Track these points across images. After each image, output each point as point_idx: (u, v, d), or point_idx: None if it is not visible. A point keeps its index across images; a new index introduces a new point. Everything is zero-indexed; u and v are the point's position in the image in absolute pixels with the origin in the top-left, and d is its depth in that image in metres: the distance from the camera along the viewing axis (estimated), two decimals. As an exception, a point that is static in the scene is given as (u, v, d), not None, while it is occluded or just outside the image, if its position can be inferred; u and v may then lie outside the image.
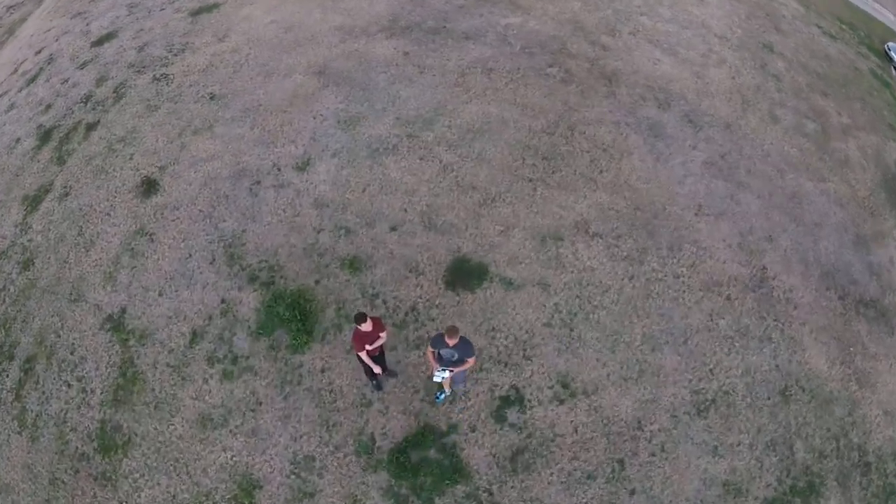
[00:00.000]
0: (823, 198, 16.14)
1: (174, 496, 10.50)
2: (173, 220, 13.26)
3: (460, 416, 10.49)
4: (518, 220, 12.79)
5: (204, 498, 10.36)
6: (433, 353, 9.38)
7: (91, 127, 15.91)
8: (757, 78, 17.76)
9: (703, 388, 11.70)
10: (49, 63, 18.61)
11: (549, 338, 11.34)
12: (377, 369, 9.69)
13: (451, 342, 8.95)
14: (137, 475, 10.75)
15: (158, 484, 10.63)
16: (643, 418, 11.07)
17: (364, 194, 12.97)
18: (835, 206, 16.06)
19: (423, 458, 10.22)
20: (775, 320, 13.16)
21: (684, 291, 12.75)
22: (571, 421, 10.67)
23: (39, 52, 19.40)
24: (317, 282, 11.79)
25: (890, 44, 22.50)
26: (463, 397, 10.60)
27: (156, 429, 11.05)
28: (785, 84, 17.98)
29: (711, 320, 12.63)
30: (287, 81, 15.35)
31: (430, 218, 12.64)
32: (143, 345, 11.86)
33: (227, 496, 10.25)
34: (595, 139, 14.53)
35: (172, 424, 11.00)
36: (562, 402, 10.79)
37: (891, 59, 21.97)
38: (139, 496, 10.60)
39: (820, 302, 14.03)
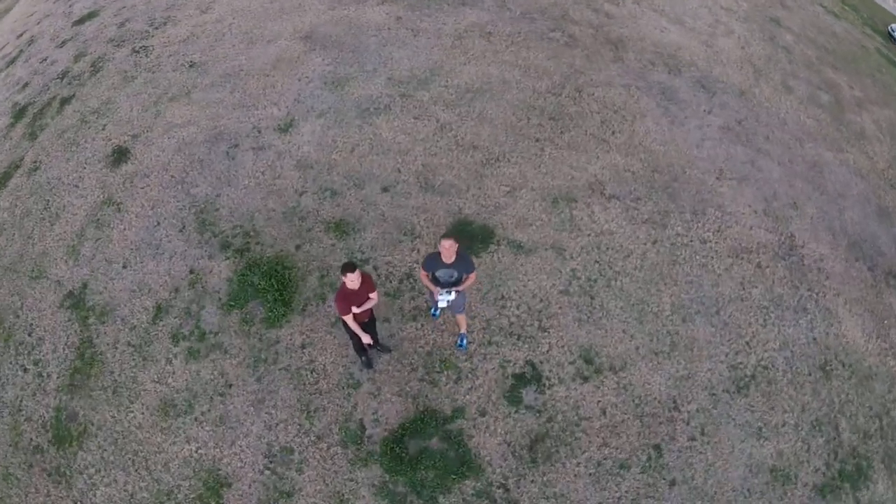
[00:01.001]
0: (843, 168, 13.87)
1: (132, 495, 8.00)
2: (142, 188, 10.83)
3: (467, 397, 8.01)
4: (525, 181, 10.38)
5: (165, 497, 7.85)
6: (427, 276, 6.97)
7: (66, 101, 13.55)
8: (767, 49, 15.50)
9: (740, 363, 9.29)
10: (29, 44, 16.28)
11: (567, 307, 8.89)
12: (367, 339, 7.22)
13: (449, 259, 6.57)
14: (93, 470, 8.28)
15: (115, 481, 8.14)
16: (679, 397, 8.62)
17: (352, 155, 10.55)
18: (855, 177, 13.79)
19: (423, 448, 7.72)
20: (809, 290, 10.82)
21: (712, 258, 10.36)
22: (598, 401, 8.19)
23: (21, 35, 17.06)
24: (297, 247, 9.33)
25: (893, 25, 20.25)
26: (470, 375, 8.11)
27: (113, 417, 8.57)
28: (795, 56, 15.73)
29: (744, 289, 10.25)
30: (271, 47, 12.98)
31: (427, 178, 10.22)
32: (104, 322, 9.40)
33: (191, 495, 7.73)
34: (605, 101, 12.19)
35: (131, 412, 8.51)
36: (586, 379, 8.32)
37: (894, 40, 19.70)
38: (94, 494, 8.12)
39: (850, 272, 11.72)
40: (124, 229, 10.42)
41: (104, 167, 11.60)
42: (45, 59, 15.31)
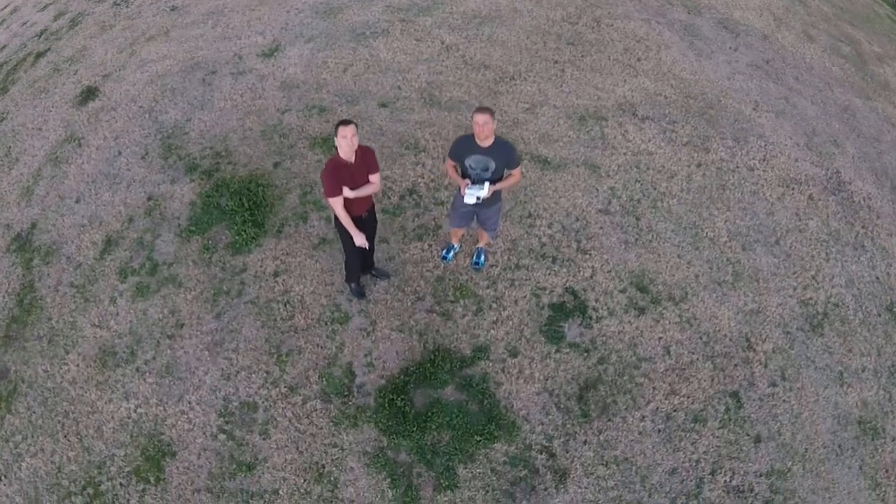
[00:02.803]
0: (874, 115, 11.24)
1: (59, 468, 5.23)
2: (107, 121, 8.16)
3: (492, 333, 5.24)
4: (546, 99, 7.71)
5: (96, 471, 5.07)
6: (455, 167, 4.50)
7: (40, 55, 10.94)
8: (784, 0, 12.92)
9: (810, 299, 6.65)
10: (12, 13, 13.71)
11: (609, 227, 6.17)
12: (360, 239, 4.50)
13: (485, 142, 3.90)
14: (20, 437, 5.58)
15: (42, 450, 5.39)
16: (751, 334, 5.91)
17: (345, 74, 7.88)
18: (886, 125, 11.17)
19: (434, 400, 4.95)
20: (863, 227, 8.24)
21: (762, 185, 7.73)
22: (660, 338, 5.44)
23: (5, 7, 14.48)
24: (276, 164, 6.62)
25: (901, -5, 17.70)
26: (494, 305, 5.33)
27: (46, 371, 5.84)
28: (812, 10, 13.22)
29: (800, 220, 7.61)
30: (261, -14, 10.29)
31: (432, 94, 7.54)
32: (48, 263, 6.69)
33: (126, 468, 4.95)
34: (625, 31, 9.58)
35: (66, 364, 5.78)
36: (641, 311, 5.58)
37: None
38: (19, 468, 5.40)
39: (900, 215, 9.04)
40: (82, 163, 7.75)
41: (70, 107, 8.95)
42: (26, 23, 12.76)
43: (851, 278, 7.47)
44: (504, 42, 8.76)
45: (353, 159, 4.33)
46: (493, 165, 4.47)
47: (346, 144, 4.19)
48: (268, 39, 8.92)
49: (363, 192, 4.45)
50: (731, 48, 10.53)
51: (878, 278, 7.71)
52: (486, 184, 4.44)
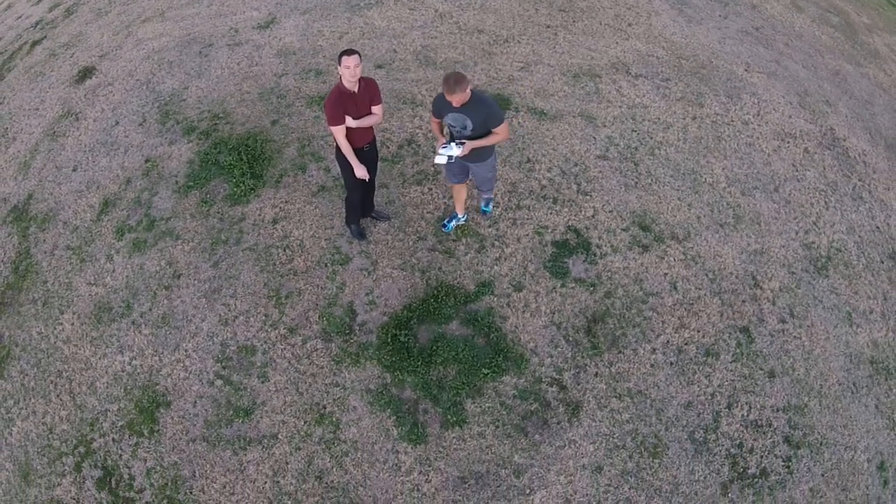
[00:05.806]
0: (865, 80, 10.99)
1: (51, 429, 4.87)
2: (104, 95, 7.88)
3: (495, 269, 4.92)
4: (540, 59, 7.45)
5: (88, 428, 4.72)
6: (439, 123, 4.23)
7: (36, 43, 10.68)
8: (767, -26, 12.62)
9: (813, 242, 6.38)
10: (6, 9, 13.43)
11: (609, 171, 5.87)
12: (362, 172, 4.23)
13: (457, 99, 3.71)
14: (11, 402, 5.23)
15: (34, 412, 5.04)
16: (757, 273, 5.59)
17: (341, 41, 7.62)
18: (878, 89, 10.91)
19: (438, 336, 4.62)
20: (860, 180, 7.99)
21: (758, 138, 7.47)
22: (665, 274, 5.13)
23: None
24: (274, 122, 6.33)
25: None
26: (497, 243, 5.01)
27: (40, 333, 5.49)
28: (795, -17, 12.87)
29: (797, 170, 7.36)
30: (255, -31, 10.01)
31: (428, 56, 7.27)
32: (44, 229, 6.38)
33: (119, 423, 4.60)
34: (615, -1, 9.27)
35: (60, 324, 5.43)
36: (645, 248, 5.27)
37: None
38: (10, 433, 5.03)
39: (894, 171, 8.81)
40: (80, 136, 7.46)
41: (67, 86, 8.66)
42: (21, 17, 12.49)
43: (852, 226, 7.23)
44: (496, 10, 8.50)
45: (356, 89, 4.09)
46: (470, 124, 4.11)
47: (350, 74, 3.96)
48: (263, 14, 8.65)
49: (366, 122, 4.20)
50: (720, 16, 10.30)
51: (878, 227, 7.47)
52: (453, 144, 4.07)
